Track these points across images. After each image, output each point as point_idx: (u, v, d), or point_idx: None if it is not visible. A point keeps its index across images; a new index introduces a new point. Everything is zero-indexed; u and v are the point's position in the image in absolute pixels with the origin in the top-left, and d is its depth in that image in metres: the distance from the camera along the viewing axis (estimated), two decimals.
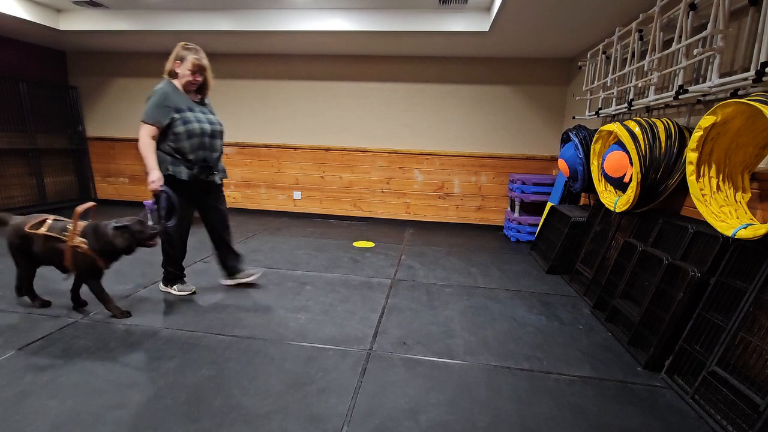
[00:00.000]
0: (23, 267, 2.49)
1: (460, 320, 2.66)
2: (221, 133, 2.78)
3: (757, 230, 1.72)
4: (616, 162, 2.75)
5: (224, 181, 2.88)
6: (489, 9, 3.98)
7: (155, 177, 2.49)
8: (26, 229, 2.33)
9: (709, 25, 2.20)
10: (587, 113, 3.99)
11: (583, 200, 4.38)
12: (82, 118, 6.15)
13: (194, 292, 2.91)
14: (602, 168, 2.95)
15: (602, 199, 3.08)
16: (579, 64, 4.41)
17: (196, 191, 2.70)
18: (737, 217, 1.95)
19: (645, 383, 2.02)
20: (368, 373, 2.01)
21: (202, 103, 2.76)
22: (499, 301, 3.02)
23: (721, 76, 2.25)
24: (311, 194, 5.87)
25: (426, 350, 2.26)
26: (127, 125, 6.09)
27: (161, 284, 2.93)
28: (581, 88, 4.51)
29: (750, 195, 2.05)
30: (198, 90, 2.74)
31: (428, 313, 2.75)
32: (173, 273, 2.87)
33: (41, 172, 5.60)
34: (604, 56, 3.74)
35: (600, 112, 3.70)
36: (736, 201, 2.04)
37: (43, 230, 2.32)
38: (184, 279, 2.93)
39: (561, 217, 3.88)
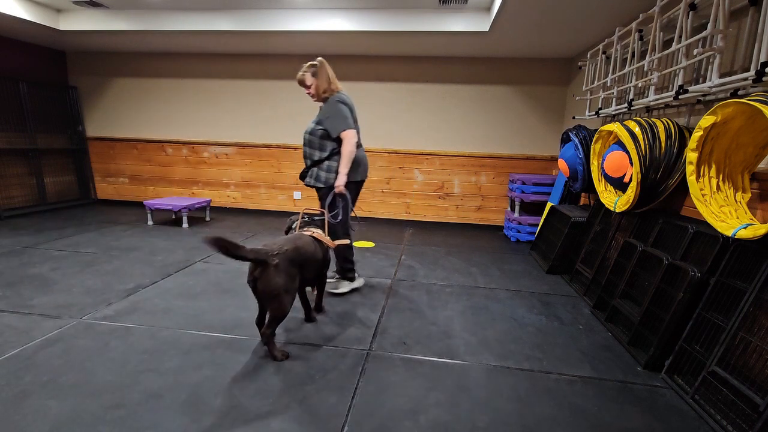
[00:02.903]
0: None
1: (460, 320, 2.66)
2: (308, 140, 2.86)
3: (757, 230, 1.72)
4: (616, 162, 2.75)
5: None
6: (489, 9, 3.98)
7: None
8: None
9: (709, 25, 2.20)
10: (587, 113, 3.99)
11: (583, 200, 4.38)
12: (82, 118, 6.16)
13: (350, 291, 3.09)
14: (602, 168, 2.95)
15: (602, 199, 3.08)
16: (579, 64, 4.41)
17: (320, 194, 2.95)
18: (737, 217, 1.95)
19: (645, 383, 2.02)
20: (368, 373, 2.01)
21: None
22: (499, 301, 3.02)
23: (721, 76, 2.25)
24: (311, 194, 5.87)
25: (426, 350, 2.26)
26: (128, 125, 6.09)
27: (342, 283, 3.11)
28: (581, 88, 4.52)
29: (750, 195, 2.05)
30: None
31: (428, 313, 2.75)
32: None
33: (41, 172, 5.60)
34: (604, 56, 3.74)
35: (600, 112, 3.70)
36: (736, 201, 2.04)
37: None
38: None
39: (561, 217, 3.88)
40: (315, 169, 2.85)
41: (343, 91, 2.86)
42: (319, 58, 2.81)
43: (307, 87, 2.82)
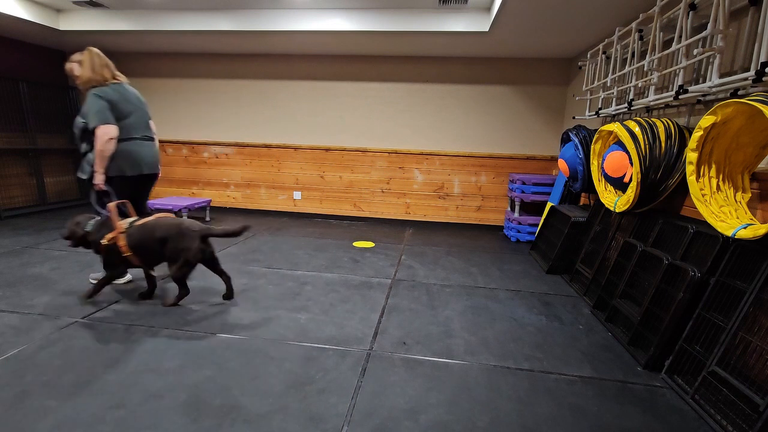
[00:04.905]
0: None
1: (460, 320, 2.66)
2: (74, 132, 2.91)
3: (757, 230, 1.72)
4: (616, 162, 2.75)
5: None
6: (489, 9, 3.98)
7: None
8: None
9: (709, 25, 2.20)
10: (587, 113, 3.99)
11: (583, 200, 4.38)
12: None
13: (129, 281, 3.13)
14: (602, 168, 2.95)
15: (602, 199, 3.08)
16: (579, 64, 4.41)
17: None
18: (737, 217, 1.95)
19: (645, 383, 2.02)
20: (368, 373, 2.01)
21: None
22: (499, 301, 3.02)
23: (721, 76, 2.25)
24: (311, 194, 5.87)
25: (426, 350, 2.26)
26: None
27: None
28: (581, 88, 4.52)
29: (750, 195, 2.05)
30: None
31: (428, 313, 2.75)
32: None
33: (41, 172, 5.60)
34: (604, 56, 3.74)
35: (600, 112, 3.70)
36: (736, 201, 2.04)
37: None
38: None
39: (561, 217, 3.88)
40: (82, 161, 2.89)
41: (121, 83, 2.79)
42: (88, 48, 2.73)
43: (76, 78, 2.79)
